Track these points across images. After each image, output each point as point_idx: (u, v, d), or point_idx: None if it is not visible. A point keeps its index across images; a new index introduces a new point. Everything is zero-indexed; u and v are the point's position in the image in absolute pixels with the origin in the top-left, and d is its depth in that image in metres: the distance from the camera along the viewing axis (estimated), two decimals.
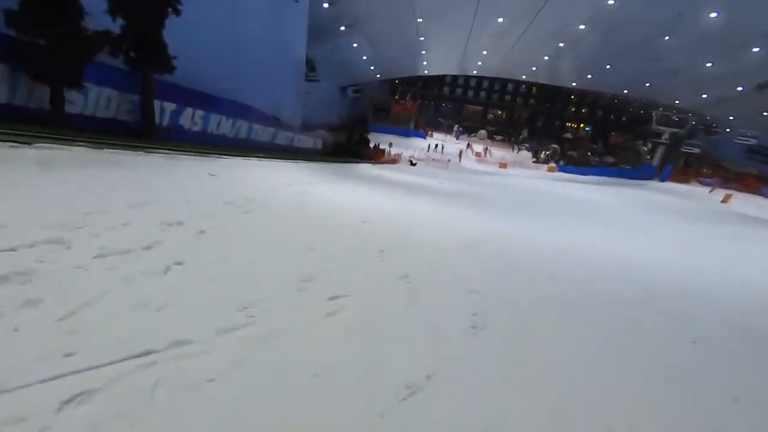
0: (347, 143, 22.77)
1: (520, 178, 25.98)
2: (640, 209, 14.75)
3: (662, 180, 30.30)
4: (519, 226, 7.23)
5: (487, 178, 23.80)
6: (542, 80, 40.93)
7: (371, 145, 27.79)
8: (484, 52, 31.85)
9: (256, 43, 12.35)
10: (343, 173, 12.09)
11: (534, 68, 34.63)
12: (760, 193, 25.73)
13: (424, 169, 24.29)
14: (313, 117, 27.87)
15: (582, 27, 22.59)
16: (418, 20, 24.42)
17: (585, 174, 34.64)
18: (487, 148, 42.35)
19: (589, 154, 43.79)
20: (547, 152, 43.60)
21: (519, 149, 46.62)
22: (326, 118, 32.18)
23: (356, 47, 30.01)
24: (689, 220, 13.33)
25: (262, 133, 11.24)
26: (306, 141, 15.43)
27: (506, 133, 52.53)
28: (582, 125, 54.47)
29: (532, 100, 55.32)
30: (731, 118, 31.90)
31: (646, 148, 44.14)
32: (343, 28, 25.52)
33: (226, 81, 10.01)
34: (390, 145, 29.48)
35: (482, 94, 56.52)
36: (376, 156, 25.62)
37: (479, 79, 54.18)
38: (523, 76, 40.29)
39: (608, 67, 29.23)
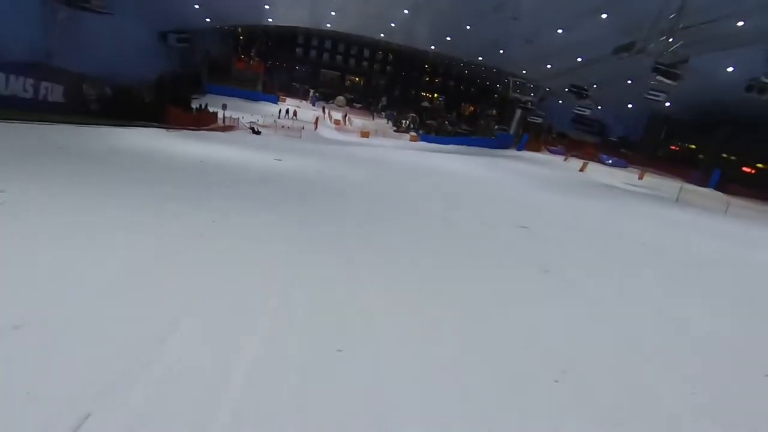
0: (145, 101, 15.46)
1: (388, 149, 22.46)
2: (541, 187, 12.47)
3: (519, 149, 30.77)
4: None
5: (352, 149, 19.51)
6: (401, 41, 38.05)
7: (196, 106, 20.57)
8: None
9: None
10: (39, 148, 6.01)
11: (393, 24, 31.19)
12: (598, 160, 27.69)
13: (269, 139, 18.59)
14: (109, 65, 19.56)
15: None
16: None
17: (447, 143, 33.48)
18: (346, 116, 38.27)
19: (446, 122, 43.54)
20: (407, 121, 41.84)
21: (386, 118, 43.92)
22: (135, 69, 23.61)
23: None
24: (602, 198, 11.44)
25: None
26: None
27: (365, 100, 49.56)
28: (436, 95, 54.86)
29: (389, 67, 53.28)
30: (566, 90, 34.23)
31: (494, 119, 46.22)
32: None
33: None
34: (224, 107, 22.47)
35: (339, 58, 52.37)
36: (201, 120, 18.73)
37: (335, 41, 49.80)
38: (382, 35, 36.71)
39: (468, 28, 27.48)
